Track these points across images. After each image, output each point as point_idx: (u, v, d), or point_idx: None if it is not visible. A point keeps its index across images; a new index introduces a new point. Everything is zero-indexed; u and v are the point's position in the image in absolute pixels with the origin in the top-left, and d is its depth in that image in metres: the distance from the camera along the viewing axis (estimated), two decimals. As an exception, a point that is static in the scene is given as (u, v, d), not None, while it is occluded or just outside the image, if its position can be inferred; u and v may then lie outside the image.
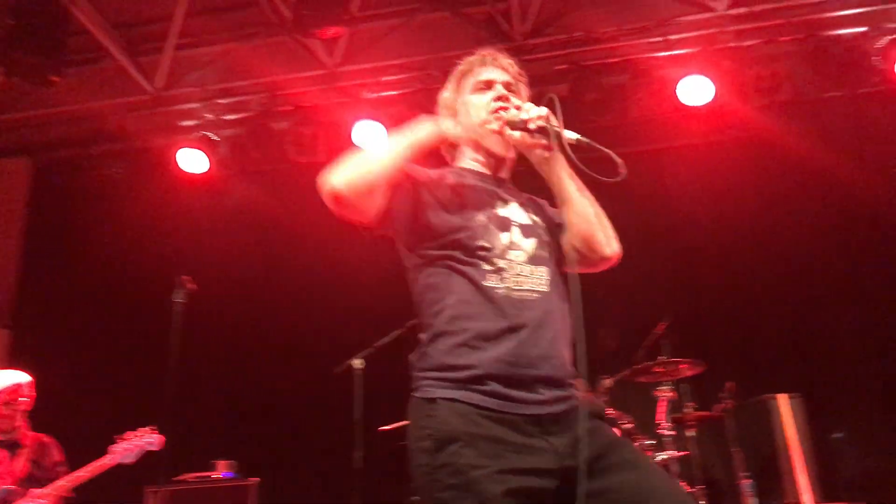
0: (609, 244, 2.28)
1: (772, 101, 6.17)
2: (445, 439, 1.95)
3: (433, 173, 2.28)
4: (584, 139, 2.17)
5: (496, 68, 2.38)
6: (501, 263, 2.11)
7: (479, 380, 2.00)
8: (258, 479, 5.54)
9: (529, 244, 2.19)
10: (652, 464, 2.14)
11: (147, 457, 4.56)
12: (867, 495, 5.33)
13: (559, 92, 6.47)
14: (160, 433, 4.51)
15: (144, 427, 4.57)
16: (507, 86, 2.36)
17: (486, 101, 2.31)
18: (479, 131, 2.31)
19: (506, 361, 2.01)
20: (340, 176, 2.04)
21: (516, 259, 2.14)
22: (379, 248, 6.43)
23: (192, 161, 6.67)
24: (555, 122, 2.17)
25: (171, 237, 6.97)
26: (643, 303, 6.08)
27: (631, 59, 6.39)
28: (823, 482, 5.13)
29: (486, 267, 2.11)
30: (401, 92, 6.65)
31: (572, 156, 2.15)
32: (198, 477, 5.57)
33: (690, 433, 5.09)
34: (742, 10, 6.18)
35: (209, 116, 6.82)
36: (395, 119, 6.53)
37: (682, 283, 6.27)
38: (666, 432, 4.90)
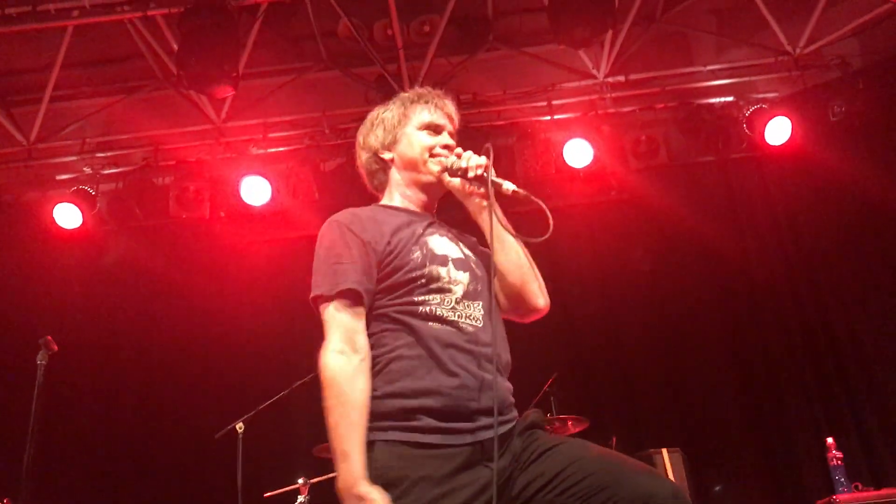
0: (541, 295, 2.29)
1: (648, 165, 6.43)
2: (386, 486, 1.91)
3: (365, 217, 2.25)
4: (520, 191, 2.20)
5: (445, 115, 2.40)
6: (437, 299, 2.11)
7: (412, 415, 2.00)
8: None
9: (465, 277, 2.18)
10: (578, 440, 2.13)
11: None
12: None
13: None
14: (16, 507, 4.17)
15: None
16: (451, 134, 2.39)
17: (429, 143, 2.33)
18: (421, 169, 2.31)
19: (443, 395, 2.02)
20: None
21: (456, 293, 2.14)
22: (262, 308, 6.37)
23: (68, 216, 6.37)
24: (492, 172, 2.20)
25: (39, 295, 6.58)
26: (530, 359, 6.11)
27: (517, 122, 6.59)
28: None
29: (425, 302, 2.10)
30: (290, 148, 6.60)
31: (523, 192, 2.21)
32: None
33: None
34: (620, 77, 6.49)
35: (87, 170, 6.57)
36: (282, 175, 6.47)
37: (567, 340, 6.36)
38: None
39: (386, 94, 6.45)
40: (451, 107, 2.42)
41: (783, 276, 6.40)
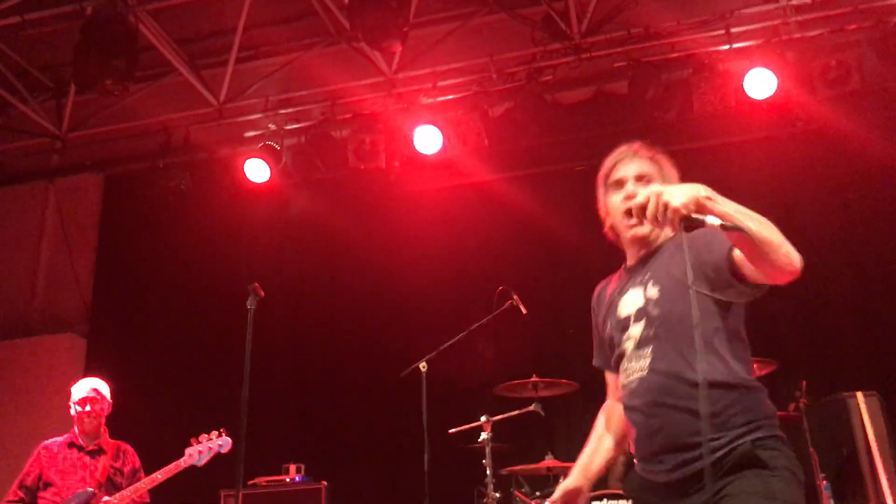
0: (791, 260, 2.03)
1: (839, 93, 5.97)
2: None
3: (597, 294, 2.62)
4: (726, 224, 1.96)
5: (629, 163, 2.42)
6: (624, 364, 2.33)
7: None
8: (327, 482, 5.61)
9: (637, 330, 2.29)
10: None
11: (219, 459, 4.66)
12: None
13: (619, 89, 6.46)
14: (231, 437, 4.61)
15: (215, 430, 4.69)
16: (639, 177, 2.38)
17: (616, 201, 2.39)
18: (624, 232, 2.40)
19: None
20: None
21: (628, 350, 2.32)
22: (438, 254, 6.57)
23: (257, 170, 6.80)
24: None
25: (236, 246, 7.12)
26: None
27: (692, 54, 6.29)
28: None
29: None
30: (458, 95, 6.67)
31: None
32: (270, 481, 5.67)
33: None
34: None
35: (272, 127, 6.94)
36: (452, 123, 6.56)
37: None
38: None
39: (553, 33, 6.37)
40: (637, 152, 2.44)
41: None
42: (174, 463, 4.60)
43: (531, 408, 4.94)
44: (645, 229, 2.32)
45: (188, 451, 4.61)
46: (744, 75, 6.01)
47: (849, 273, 6.07)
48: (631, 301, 2.34)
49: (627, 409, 2.30)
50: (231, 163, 6.96)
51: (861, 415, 5.04)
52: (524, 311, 5.07)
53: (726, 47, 6.19)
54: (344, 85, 6.77)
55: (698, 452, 2.03)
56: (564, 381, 5.14)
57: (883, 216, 6.06)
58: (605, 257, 2.76)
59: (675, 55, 6.31)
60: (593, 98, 6.88)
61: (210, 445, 4.63)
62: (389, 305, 6.70)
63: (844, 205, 6.23)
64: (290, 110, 6.96)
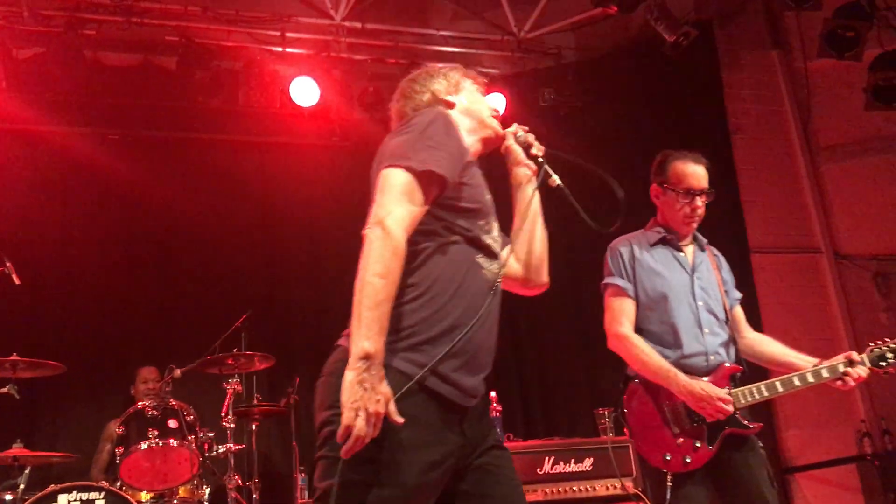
0: (546, 274, 2.38)
1: (372, 117, 6.50)
2: None
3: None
4: (564, 189, 2.29)
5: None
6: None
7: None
8: None
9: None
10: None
11: None
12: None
13: (168, 64, 6.18)
14: None
15: None
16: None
17: (490, 105, 2.43)
18: (486, 122, 2.36)
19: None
20: None
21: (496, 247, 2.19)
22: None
23: None
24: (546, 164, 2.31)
25: None
26: (227, 293, 6.02)
27: (246, 48, 6.31)
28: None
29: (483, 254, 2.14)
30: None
31: (566, 190, 2.28)
32: None
33: (254, 426, 5.10)
34: (357, 24, 6.47)
35: None
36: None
37: (269, 279, 6.32)
38: (228, 425, 4.84)
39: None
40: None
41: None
42: None
43: (5, 389, 4.42)
44: (517, 148, 2.40)
45: None
46: (291, 80, 6.21)
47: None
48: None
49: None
50: None
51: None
52: (17, 281, 4.57)
53: (280, 49, 6.34)
54: None
55: None
56: (51, 362, 4.66)
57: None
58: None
59: (230, 44, 6.26)
60: (141, 67, 6.46)
61: None
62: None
63: (364, 214, 6.65)
64: None
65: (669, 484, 2.86)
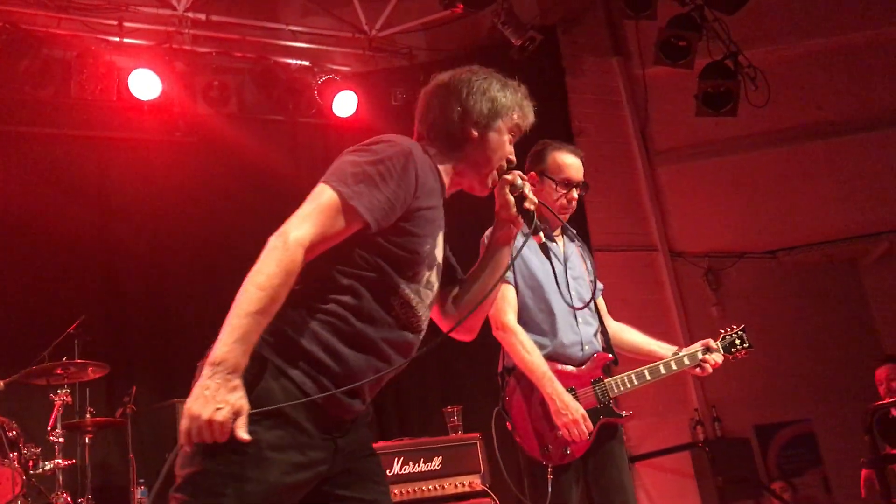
0: (476, 330, 2.34)
1: (218, 112, 6.29)
2: None
3: (424, 170, 2.06)
4: (550, 247, 2.36)
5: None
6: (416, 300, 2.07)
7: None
8: None
9: (435, 289, 2.16)
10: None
11: None
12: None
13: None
14: None
15: None
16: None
17: (508, 149, 2.23)
18: (491, 166, 2.21)
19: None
20: None
21: (425, 300, 2.10)
22: None
23: None
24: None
25: None
26: (60, 297, 5.65)
27: (80, 36, 5.94)
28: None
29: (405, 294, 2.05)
30: None
31: (553, 252, 2.50)
32: None
33: (87, 439, 4.82)
34: (201, 16, 6.23)
35: None
36: None
37: (105, 281, 5.98)
38: (56, 439, 4.55)
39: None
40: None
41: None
42: None
43: None
44: (510, 198, 2.25)
45: None
46: (130, 72, 5.90)
47: (208, 285, 6.17)
48: (439, 248, 2.23)
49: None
50: None
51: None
52: None
53: (117, 39, 6.02)
54: None
55: None
56: None
57: (240, 229, 6.30)
58: None
59: (61, 32, 5.88)
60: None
61: None
62: None
63: (210, 213, 6.36)
64: None
65: (550, 477, 2.93)
